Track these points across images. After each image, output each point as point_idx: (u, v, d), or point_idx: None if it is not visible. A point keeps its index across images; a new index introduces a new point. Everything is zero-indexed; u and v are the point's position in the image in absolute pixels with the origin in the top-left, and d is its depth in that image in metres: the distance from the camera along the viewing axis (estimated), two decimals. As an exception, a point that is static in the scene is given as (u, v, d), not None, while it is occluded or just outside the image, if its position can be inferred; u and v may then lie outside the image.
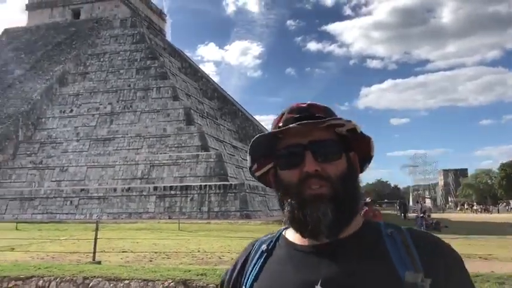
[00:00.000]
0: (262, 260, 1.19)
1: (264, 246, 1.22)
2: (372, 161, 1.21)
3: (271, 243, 1.22)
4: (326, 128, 1.11)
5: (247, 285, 1.16)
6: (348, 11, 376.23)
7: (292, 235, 1.19)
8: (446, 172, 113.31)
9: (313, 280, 1.04)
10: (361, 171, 1.23)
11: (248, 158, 1.22)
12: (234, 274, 1.24)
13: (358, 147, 1.18)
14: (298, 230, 1.12)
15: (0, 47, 57.42)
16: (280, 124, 1.16)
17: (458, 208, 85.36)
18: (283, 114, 1.19)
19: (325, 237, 1.08)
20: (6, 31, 61.40)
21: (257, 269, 1.17)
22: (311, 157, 1.09)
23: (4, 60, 52.29)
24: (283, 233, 1.25)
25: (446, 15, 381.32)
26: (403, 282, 1.00)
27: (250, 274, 1.18)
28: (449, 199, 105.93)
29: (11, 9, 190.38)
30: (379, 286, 1.01)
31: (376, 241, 1.10)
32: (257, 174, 1.26)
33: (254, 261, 1.20)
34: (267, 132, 1.16)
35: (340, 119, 1.11)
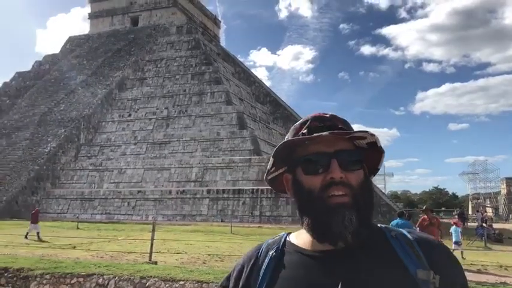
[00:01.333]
0: (272, 266, 1.19)
1: (271, 252, 1.23)
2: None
3: (279, 249, 1.23)
4: (348, 139, 1.17)
5: None
6: (403, 14, 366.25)
7: (298, 240, 1.22)
8: (509, 180, 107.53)
9: (331, 284, 1.06)
10: None
11: (270, 160, 1.25)
12: (242, 280, 1.23)
13: (367, 160, 1.22)
14: (320, 234, 1.13)
15: (64, 54, 60.46)
16: (305, 131, 1.21)
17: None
18: (306, 121, 1.24)
19: (344, 243, 1.10)
20: (70, 39, 64.56)
21: (268, 275, 1.18)
22: (336, 164, 1.13)
23: (68, 67, 54.99)
24: (288, 238, 1.27)
25: (509, 16, 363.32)
26: (415, 279, 1.06)
27: (261, 280, 1.18)
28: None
29: (74, 18, 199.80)
30: (396, 285, 1.05)
31: (384, 243, 1.16)
32: (269, 177, 1.30)
33: (264, 267, 1.20)
34: (294, 138, 1.19)
35: (366, 132, 1.15)
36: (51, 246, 14.97)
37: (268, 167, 1.27)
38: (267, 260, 1.21)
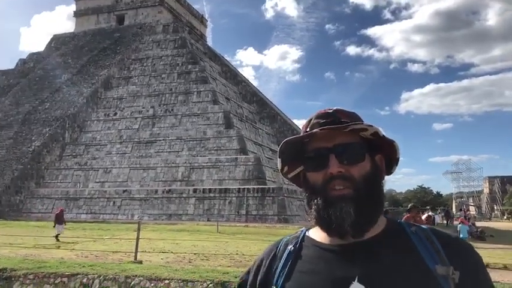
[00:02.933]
0: (291, 260, 1.21)
1: (290, 247, 1.24)
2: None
3: (297, 244, 1.24)
4: (351, 132, 1.16)
5: (279, 285, 1.17)
6: (387, 15, 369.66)
7: (317, 235, 1.23)
8: (492, 179, 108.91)
9: (349, 277, 1.07)
10: (390, 173, 1.27)
11: (278, 160, 1.26)
12: (261, 274, 1.25)
13: (385, 150, 1.22)
14: (325, 228, 1.16)
15: (49, 52, 59.75)
16: (308, 129, 1.22)
17: (505, 217, 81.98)
18: (311, 119, 1.25)
19: (351, 236, 1.12)
20: (54, 37, 63.85)
21: (287, 269, 1.19)
22: (335, 159, 1.14)
23: (53, 65, 54.38)
24: (307, 233, 1.28)
25: (491, 18, 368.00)
26: (435, 275, 1.06)
27: (280, 274, 1.19)
28: (495, 207, 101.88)
29: (59, 16, 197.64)
30: (413, 278, 1.05)
31: (403, 238, 1.15)
32: (290, 176, 1.31)
33: (282, 261, 1.22)
34: (292, 137, 1.21)
35: (361, 123, 1.15)
36: (35, 246, 14.82)
37: (279, 167, 1.28)
38: (285, 254, 1.23)
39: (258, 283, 1.24)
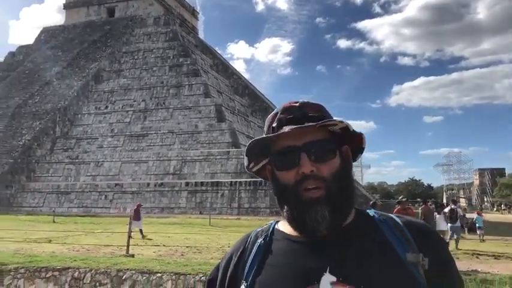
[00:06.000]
0: (261, 253, 1.18)
1: (260, 240, 1.21)
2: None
3: (267, 237, 1.21)
4: (319, 127, 1.12)
5: (249, 280, 1.14)
6: (377, 9, 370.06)
7: (287, 227, 1.20)
8: (482, 171, 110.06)
9: (321, 268, 1.06)
10: (354, 161, 1.25)
11: (245, 158, 1.23)
12: (231, 269, 1.21)
13: (350, 140, 1.20)
14: (297, 229, 1.14)
15: (38, 45, 59.14)
16: (274, 125, 1.18)
17: (494, 209, 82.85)
18: (276, 114, 1.21)
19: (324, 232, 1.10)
20: (44, 30, 63.19)
21: (257, 263, 1.16)
22: (306, 158, 1.11)
23: (42, 58, 53.85)
24: (276, 225, 1.26)
25: (481, 11, 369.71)
26: (405, 262, 1.06)
27: (250, 268, 1.16)
28: (485, 199, 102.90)
29: (49, 9, 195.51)
30: (384, 267, 1.05)
31: (373, 227, 1.15)
32: (254, 169, 1.29)
33: (252, 256, 1.19)
34: (261, 137, 1.17)
35: (333, 120, 1.13)
36: (26, 240, 14.74)
37: (245, 164, 1.25)
38: (255, 248, 1.19)
39: (227, 279, 1.20)
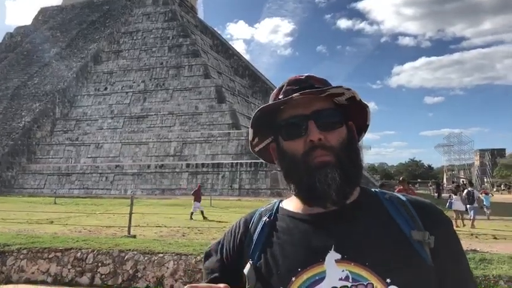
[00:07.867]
0: (266, 231, 1.17)
1: (265, 218, 1.20)
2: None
3: (272, 215, 1.20)
4: (326, 98, 1.13)
5: (255, 257, 1.13)
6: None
7: (291, 205, 1.19)
8: (482, 152, 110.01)
9: (325, 245, 1.05)
10: (358, 141, 1.23)
11: (250, 131, 1.21)
12: (235, 246, 1.20)
13: (355, 117, 1.19)
14: (307, 197, 1.12)
15: (36, 26, 58.61)
16: (281, 96, 1.17)
17: (494, 189, 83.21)
18: (282, 86, 1.20)
19: (332, 204, 1.08)
20: (42, 10, 62.57)
21: (262, 240, 1.15)
22: (314, 126, 1.10)
23: (41, 39, 53.42)
24: (281, 204, 1.24)
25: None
26: (410, 240, 1.05)
27: (254, 245, 1.16)
28: (486, 180, 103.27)
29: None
30: (389, 245, 1.04)
31: (378, 204, 1.14)
32: (257, 149, 1.27)
33: (257, 234, 1.18)
34: (268, 104, 1.16)
35: (340, 87, 1.11)
36: (28, 221, 14.82)
37: (250, 138, 1.23)
38: (259, 227, 1.18)
39: (230, 256, 1.19)
